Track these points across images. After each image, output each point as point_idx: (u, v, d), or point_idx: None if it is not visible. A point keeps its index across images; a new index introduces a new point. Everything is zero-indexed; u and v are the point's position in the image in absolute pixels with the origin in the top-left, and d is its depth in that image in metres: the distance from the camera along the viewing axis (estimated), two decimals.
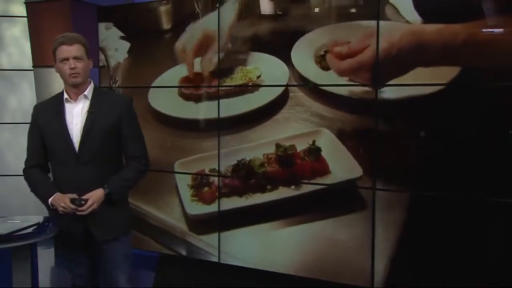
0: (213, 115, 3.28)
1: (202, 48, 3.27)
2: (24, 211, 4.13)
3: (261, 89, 3.10)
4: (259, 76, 3.10)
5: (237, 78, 3.19)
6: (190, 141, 3.38)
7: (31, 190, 2.41)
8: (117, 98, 2.50)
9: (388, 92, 2.71)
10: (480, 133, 2.55)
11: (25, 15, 4.48)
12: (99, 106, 2.35)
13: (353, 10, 2.81)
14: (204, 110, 3.32)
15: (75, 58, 2.30)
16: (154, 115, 3.48)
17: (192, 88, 3.34)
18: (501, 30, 2.42)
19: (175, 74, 3.43)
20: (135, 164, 2.42)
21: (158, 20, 3.48)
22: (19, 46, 4.63)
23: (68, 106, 2.36)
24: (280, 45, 3.01)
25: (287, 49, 2.98)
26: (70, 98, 2.36)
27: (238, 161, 3.14)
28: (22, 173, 2.43)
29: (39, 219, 2.47)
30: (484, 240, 2.57)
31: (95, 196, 2.27)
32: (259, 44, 3.11)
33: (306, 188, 2.94)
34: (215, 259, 3.34)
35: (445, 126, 2.62)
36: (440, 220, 2.66)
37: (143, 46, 3.57)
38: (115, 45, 3.65)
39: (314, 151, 2.88)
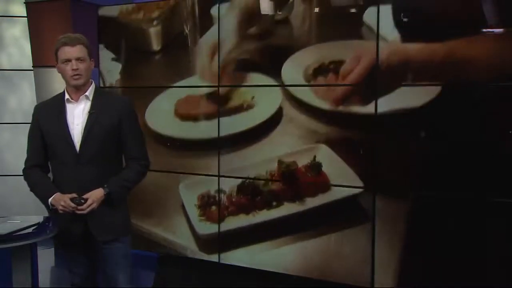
0: (210, 134, 3.28)
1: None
2: (24, 211, 4.13)
3: (256, 107, 3.13)
4: (253, 97, 3.13)
5: (233, 99, 3.21)
6: (191, 161, 3.37)
7: (31, 190, 2.41)
8: (118, 99, 2.51)
9: (383, 105, 2.73)
10: (480, 133, 2.55)
11: (25, 15, 4.49)
12: (100, 106, 2.35)
13: (339, 29, 2.83)
14: (202, 130, 3.32)
15: (78, 59, 2.30)
16: (152, 136, 3.43)
17: (189, 108, 3.35)
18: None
19: (172, 95, 3.41)
20: (135, 165, 2.42)
21: (148, 41, 3.48)
22: (19, 46, 4.63)
23: (69, 107, 2.36)
24: (270, 65, 3.04)
25: (278, 69, 3.01)
26: (71, 99, 2.36)
27: (242, 180, 3.16)
28: (22, 173, 2.43)
29: (39, 219, 2.48)
30: (484, 240, 2.57)
31: (95, 195, 2.28)
32: (249, 64, 3.14)
33: (310, 203, 2.96)
34: (215, 259, 3.34)
35: (443, 129, 2.62)
36: (440, 221, 2.66)
37: (134, 67, 3.56)
38: (108, 66, 3.65)
39: (315, 166, 2.92)
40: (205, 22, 3.26)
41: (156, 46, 3.47)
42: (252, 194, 3.11)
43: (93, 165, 2.32)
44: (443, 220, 2.65)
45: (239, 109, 3.18)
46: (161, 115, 3.43)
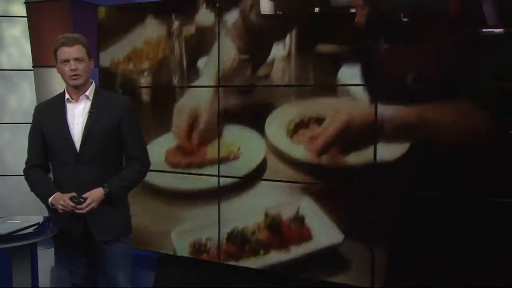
0: (201, 184, 3.34)
1: (192, 123, 3.35)
2: (24, 211, 4.13)
3: (242, 158, 3.21)
4: (239, 148, 3.21)
5: (215, 151, 3.29)
6: (179, 211, 3.43)
7: (32, 190, 2.41)
8: (118, 98, 2.51)
9: (357, 159, 2.82)
10: (480, 133, 2.56)
11: (25, 15, 4.49)
12: (100, 106, 2.35)
13: (316, 87, 2.93)
14: (193, 179, 3.36)
15: (76, 59, 2.30)
16: (141, 185, 3.35)
17: (179, 158, 3.41)
18: None
19: (162, 144, 3.46)
20: (135, 165, 2.43)
21: (138, 91, 3.53)
22: (19, 46, 4.63)
23: (69, 107, 2.36)
24: (254, 118, 3.14)
25: (262, 122, 3.10)
26: (72, 99, 2.36)
27: (231, 229, 3.24)
28: (22, 173, 2.43)
29: (39, 219, 2.47)
30: (484, 240, 2.57)
31: (94, 195, 2.28)
32: (234, 116, 3.21)
33: (295, 252, 3.05)
34: (215, 259, 3.34)
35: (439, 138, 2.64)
36: (439, 221, 2.66)
37: None
38: None
39: (299, 219, 3.02)
40: (192, 75, 3.32)
41: (145, 97, 3.53)
42: (240, 243, 3.21)
43: (93, 165, 2.32)
44: (441, 221, 2.66)
45: (226, 160, 3.26)
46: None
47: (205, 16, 3.25)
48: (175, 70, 3.39)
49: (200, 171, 3.34)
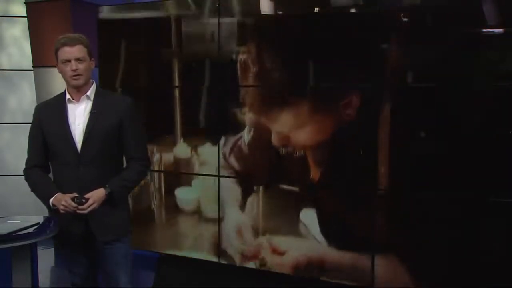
0: None
1: None
2: (24, 211, 4.12)
3: None
4: None
5: None
6: None
7: (32, 191, 2.41)
8: (119, 99, 2.51)
9: None
10: (480, 133, 2.56)
11: (25, 15, 4.49)
12: (101, 106, 2.35)
13: (281, 224, 3.09)
14: None
15: (77, 59, 2.30)
16: None
17: None
18: None
19: None
20: (136, 165, 2.43)
21: None
22: (19, 46, 4.63)
23: (70, 107, 2.36)
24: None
25: None
26: (73, 99, 2.36)
27: None
28: (22, 173, 2.43)
29: (39, 219, 2.47)
30: (484, 240, 2.57)
31: (96, 195, 2.28)
32: None
33: None
34: (215, 259, 3.34)
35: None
36: (440, 221, 2.66)
37: None
38: None
39: None
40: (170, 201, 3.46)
41: None
42: None
43: (94, 165, 2.32)
44: (441, 220, 2.66)
45: None
46: None
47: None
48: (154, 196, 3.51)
49: None
